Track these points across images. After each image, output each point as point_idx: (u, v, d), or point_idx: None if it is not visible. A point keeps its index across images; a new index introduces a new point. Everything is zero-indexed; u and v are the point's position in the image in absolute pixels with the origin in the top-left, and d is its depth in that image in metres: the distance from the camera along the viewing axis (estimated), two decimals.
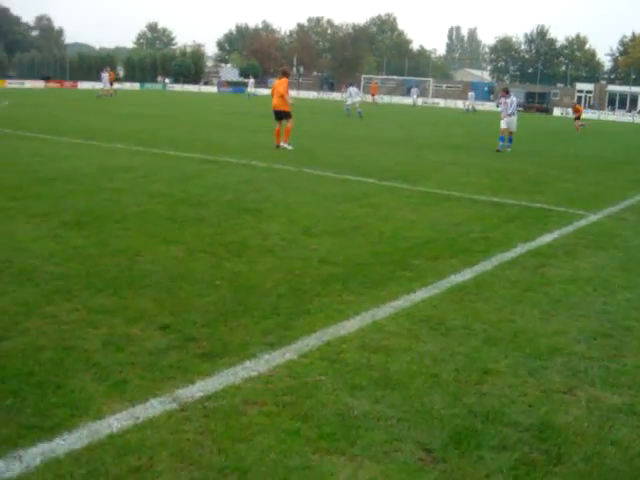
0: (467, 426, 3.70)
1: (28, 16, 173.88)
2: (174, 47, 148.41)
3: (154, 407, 3.73)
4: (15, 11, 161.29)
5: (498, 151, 20.67)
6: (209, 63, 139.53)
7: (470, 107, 59.95)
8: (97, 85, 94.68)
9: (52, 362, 4.22)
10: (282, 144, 17.82)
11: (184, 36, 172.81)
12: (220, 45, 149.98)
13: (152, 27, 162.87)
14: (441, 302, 5.86)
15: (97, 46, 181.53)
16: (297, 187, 11.62)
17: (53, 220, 8.13)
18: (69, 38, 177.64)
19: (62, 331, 4.73)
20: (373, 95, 67.61)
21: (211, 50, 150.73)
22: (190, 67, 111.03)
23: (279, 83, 18.22)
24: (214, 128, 24.69)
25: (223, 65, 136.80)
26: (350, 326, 5.14)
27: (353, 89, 41.16)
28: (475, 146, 22.56)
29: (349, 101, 40.71)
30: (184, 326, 4.94)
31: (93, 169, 12.36)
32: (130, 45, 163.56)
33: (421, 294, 6.04)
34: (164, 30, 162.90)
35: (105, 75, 49.71)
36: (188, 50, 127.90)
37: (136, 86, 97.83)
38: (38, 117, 26.85)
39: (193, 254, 6.98)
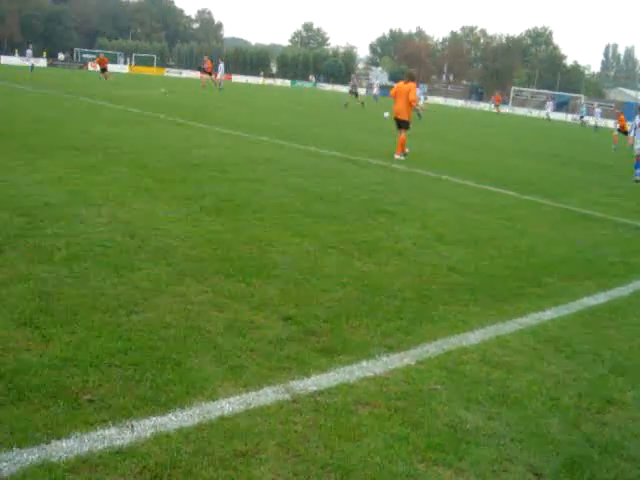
0: (583, 455, 3.53)
1: (190, 9, 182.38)
2: (327, 47, 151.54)
3: (267, 395, 3.79)
4: (179, 4, 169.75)
5: (637, 181, 17.55)
6: (360, 65, 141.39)
7: (592, 124, 56.46)
8: (251, 79, 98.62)
9: (175, 340, 4.38)
10: (396, 156, 15.90)
11: (338, 37, 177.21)
12: (372, 48, 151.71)
13: (307, 27, 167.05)
14: (570, 324, 5.63)
15: (253, 42, 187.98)
16: (435, 193, 11.50)
17: (193, 204, 8.45)
18: (227, 32, 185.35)
19: (188, 311, 4.90)
20: (497, 105, 67.23)
21: (363, 52, 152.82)
22: (341, 68, 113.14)
23: (407, 88, 16.04)
24: (358, 128, 24.88)
25: (373, 68, 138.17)
26: (473, 338, 5.04)
27: None
28: (623, 167, 21.46)
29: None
30: (306, 319, 5.00)
31: (237, 158, 12.74)
32: (285, 43, 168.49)
33: (550, 313, 5.83)
34: (319, 30, 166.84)
35: (221, 65, 50.51)
36: (340, 51, 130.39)
37: (287, 83, 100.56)
38: (191, 106, 28.05)
39: (324, 250, 7.04)
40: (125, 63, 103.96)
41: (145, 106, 24.41)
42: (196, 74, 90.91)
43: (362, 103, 41.97)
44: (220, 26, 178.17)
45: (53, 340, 4.21)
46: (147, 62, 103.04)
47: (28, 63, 54.16)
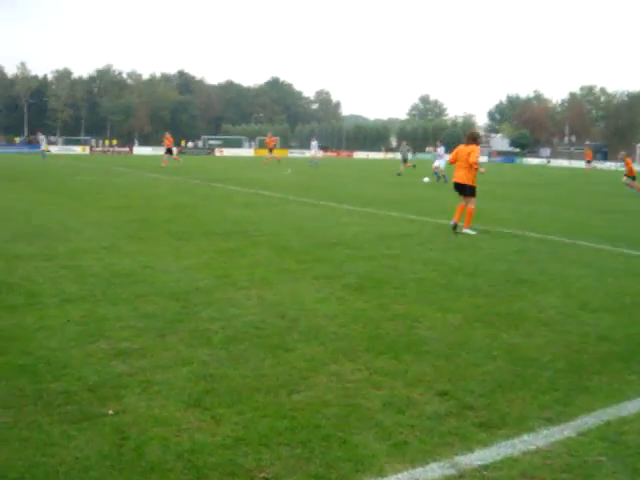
0: None
1: (309, 90, 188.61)
2: (445, 118, 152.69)
3: (433, 471, 3.87)
4: (298, 86, 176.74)
5: None
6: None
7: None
8: (372, 154, 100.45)
9: (337, 417, 4.55)
10: (464, 230, 14.17)
11: (455, 107, 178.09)
12: (491, 115, 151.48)
13: (424, 99, 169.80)
14: None
15: (372, 117, 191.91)
16: (572, 260, 11.29)
17: (336, 283, 8.72)
18: (346, 110, 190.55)
19: (346, 389, 5.08)
20: (589, 161, 66.30)
21: (482, 120, 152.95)
22: (460, 137, 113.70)
23: (468, 150, 14.48)
24: (484, 196, 24.80)
25: (493, 135, 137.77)
26: (632, 407, 4.94)
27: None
28: None
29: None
30: (462, 394, 5.06)
31: (370, 235, 13.02)
32: (403, 116, 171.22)
33: None
34: (436, 102, 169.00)
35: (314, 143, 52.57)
36: (459, 121, 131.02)
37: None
38: (317, 185, 28.89)
39: (469, 323, 7.09)
40: (250, 147, 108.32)
41: (275, 188, 25.39)
42: (318, 153, 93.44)
43: (413, 165, 42.36)
44: (338, 105, 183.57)
45: (223, 420, 4.47)
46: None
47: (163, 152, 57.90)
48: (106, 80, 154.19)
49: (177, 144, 71.02)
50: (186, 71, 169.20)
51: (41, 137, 62.57)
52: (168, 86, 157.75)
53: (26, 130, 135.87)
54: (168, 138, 46.64)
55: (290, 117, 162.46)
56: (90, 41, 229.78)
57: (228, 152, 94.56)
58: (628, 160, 32.79)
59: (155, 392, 4.91)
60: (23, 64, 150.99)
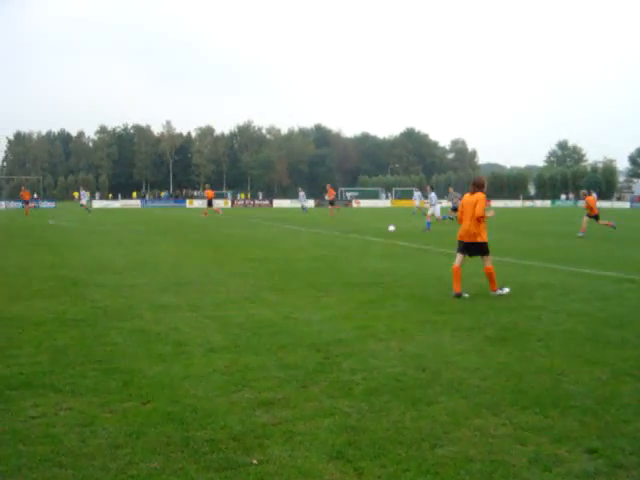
0: None
1: (444, 140, 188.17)
2: (584, 164, 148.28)
3: None
4: (433, 136, 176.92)
5: None
6: (620, 178, 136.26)
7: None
8: (510, 203, 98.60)
9: (482, 474, 4.45)
10: (496, 292, 11.95)
11: (594, 152, 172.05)
12: (632, 159, 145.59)
13: (562, 145, 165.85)
14: None
15: (508, 165, 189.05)
16: None
17: (476, 334, 8.57)
18: (482, 158, 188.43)
19: (490, 444, 4.95)
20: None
21: (623, 165, 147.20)
22: (600, 183, 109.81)
23: (473, 201, 11.96)
24: (629, 244, 23.76)
25: (635, 180, 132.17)
26: None
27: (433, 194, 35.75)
28: None
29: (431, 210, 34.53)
30: (612, 452, 4.83)
31: (512, 285, 12.70)
32: (540, 163, 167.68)
33: None
34: (574, 147, 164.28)
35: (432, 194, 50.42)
36: (599, 166, 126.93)
37: (547, 203, 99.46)
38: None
39: (618, 377, 6.77)
40: (387, 198, 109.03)
41: (411, 238, 25.35)
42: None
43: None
44: (474, 153, 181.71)
45: (365, 473, 4.47)
46: (407, 195, 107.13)
47: (300, 205, 59.62)
48: (246, 136, 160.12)
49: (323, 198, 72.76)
50: (323, 125, 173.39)
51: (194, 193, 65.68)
52: (306, 140, 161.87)
53: (171, 185, 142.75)
54: (209, 191, 48.62)
55: (426, 167, 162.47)
56: (229, 100, 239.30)
57: (365, 203, 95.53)
58: (589, 199, 29.29)
59: (298, 443, 4.97)
60: (168, 123, 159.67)
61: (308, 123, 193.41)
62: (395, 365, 7.08)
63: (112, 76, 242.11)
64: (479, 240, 11.91)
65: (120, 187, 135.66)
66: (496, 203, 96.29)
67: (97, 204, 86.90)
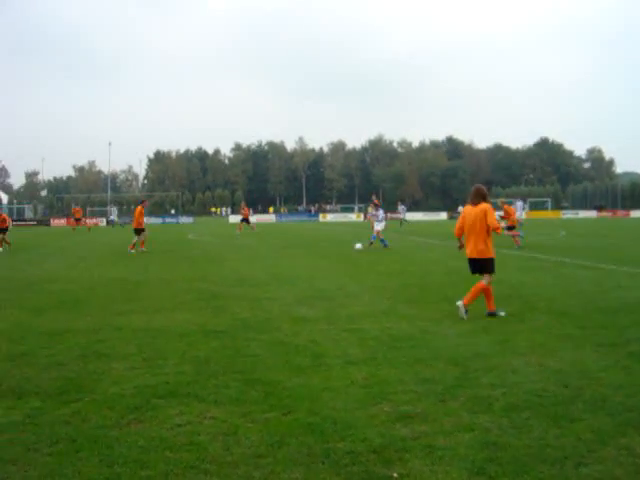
0: None
1: (580, 149, 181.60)
2: None
3: None
4: (568, 145, 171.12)
5: None
6: None
7: None
8: None
9: None
10: (458, 303, 10.85)
11: None
12: None
13: None
14: None
15: None
16: None
17: (620, 350, 8.22)
18: (620, 167, 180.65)
19: (637, 465, 4.76)
20: None
21: None
22: None
23: (479, 213, 10.93)
24: None
25: None
26: None
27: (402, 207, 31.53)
28: None
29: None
30: None
31: None
32: None
33: None
34: None
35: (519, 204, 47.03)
36: None
37: None
38: (591, 246, 27.63)
39: None
40: (522, 209, 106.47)
41: (549, 251, 24.66)
42: (592, 213, 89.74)
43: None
44: (612, 162, 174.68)
45: None
46: (541, 206, 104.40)
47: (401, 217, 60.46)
48: (378, 150, 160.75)
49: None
50: (455, 137, 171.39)
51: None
52: (437, 152, 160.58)
53: (304, 199, 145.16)
54: (245, 208, 48.62)
55: (561, 177, 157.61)
56: (362, 116, 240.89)
57: (499, 214, 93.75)
58: (507, 208, 28.54)
59: (438, 457, 4.95)
60: (301, 139, 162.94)
61: (439, 135, 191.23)
62: (536, 381, 6.91)
63: (246, 94, 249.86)
64: (488, 256, 10.97)
65: (255, 202, 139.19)
66: (636, 213, 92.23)
67: (233, 219, 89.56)
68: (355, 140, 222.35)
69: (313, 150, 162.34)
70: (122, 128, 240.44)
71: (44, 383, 7.12)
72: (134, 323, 10.56)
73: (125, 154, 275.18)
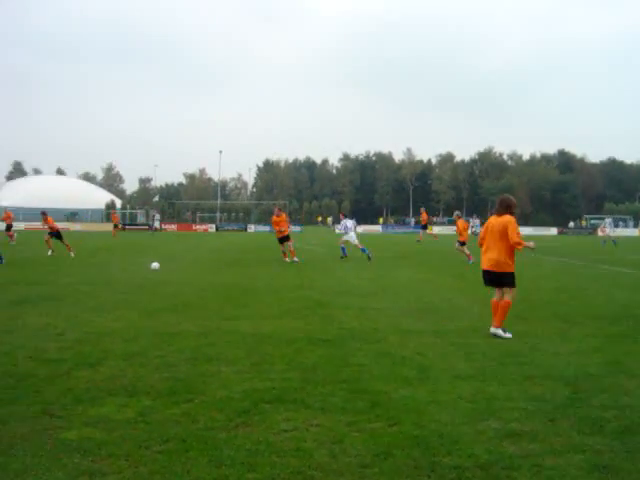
0: None
1: None
2: None
3: None
4: None
5: None
6: None
7: None
8: None
9: None
10: (492, 330, 10.49)
11: None
12: None
13: None
14: None
15: None
16: None
17: None
18: None
19: None
20: None
21: None
22: None
23: (501, 225, 10.55)
24: None
25: None
26: None
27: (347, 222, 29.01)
28: None
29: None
30: None
31: None
32: None
33: None
34: None
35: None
36: None
37: None
38: None
39: None
40: (635, 226, 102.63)
41: None
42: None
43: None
44: None
45: None
46: None
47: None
48: (487, 162, 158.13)
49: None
50: (567, 150, 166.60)
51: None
52: (548, 166, 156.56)
53: (411, 211, 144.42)
54: (423, 214, 47.61)
55: None
56: (471, 127, 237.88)
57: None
58: (459, 222, 28.43)
59: (547, 477, 4.83)
60: (409, 150, 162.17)
61: (551, 148, 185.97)
62: None
63: (355, 104, 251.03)
64: (507, 270, 10.52)
65: (362, 212, 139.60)
66: None
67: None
68: (463, 152, 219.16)
69: (421, 162, 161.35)
70: (233, 137, 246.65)
71: (155, 383, 7.36)
72: (243, 328, 10.77)
73: (235, 162, 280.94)
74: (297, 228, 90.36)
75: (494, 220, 10.71)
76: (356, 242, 28.54)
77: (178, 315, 12.13)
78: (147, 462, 5.08)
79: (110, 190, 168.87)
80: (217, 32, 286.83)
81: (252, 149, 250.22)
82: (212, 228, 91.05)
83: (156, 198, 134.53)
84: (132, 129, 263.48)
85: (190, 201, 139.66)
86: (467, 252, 27.46)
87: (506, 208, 10.62)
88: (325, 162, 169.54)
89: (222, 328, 10.77)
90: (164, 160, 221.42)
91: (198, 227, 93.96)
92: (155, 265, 21.27)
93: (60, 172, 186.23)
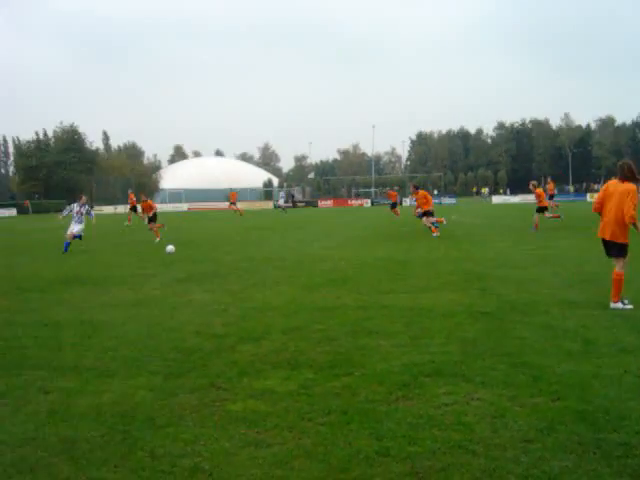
0: None
1: None
2: None
3: None
4: None
5: None
6: None
7: None
8: None
9: None
10: (612, 305, 9.87)
11: None
12: None
13: None
14: None
15: None
16: None
17: None
18: None
19: None
20: None
21: None
22: None
23: (624, 191, 9.76)
24: None
25: None
26: None
27: None
28: None
29: None
30: None
31: None
32: None
33: None
34: None
35: None
36: None
37: None
38: None
39: None
40: None
41: None
42: None
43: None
44: None
45: None
46: None
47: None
48: None
49: None
50: None
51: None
52: None
53: (570, 179, 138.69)
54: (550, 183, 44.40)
55: None
56: (633, 87, 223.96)
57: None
58: (539, 191, 28.00)
59: None
60: (567, 115, 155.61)
61: None
62: None
63: (506, 71, 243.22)
64: (620, 241, 9.84)
65: (519, 182, 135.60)
66: None
67: (496, 199, 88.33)
68: (624, 115, 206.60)
69: (580, 127, 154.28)
70: (385, 112, 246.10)
71: (316, 356, 7.53)
72: (400, 302, 10.81)
73: (388, 137, 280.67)
74: (452, 200, 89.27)
75: (614, 185, 10.01)
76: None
77: (337, 289, 12.33)
78: (310, 434, 5.22)
79: (267, 169, 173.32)
80: (365, 8, 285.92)
81: (404, 122, 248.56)
82: (367, 203, 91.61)
83: (311, 175, 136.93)
84: (286, 108, 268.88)
85: (345, 176, 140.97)
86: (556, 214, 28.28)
87: (632, 174, 9.84)
88: (479, 132, 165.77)
89: (380, 302, 10.85)
90: (318, 137, 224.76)
91: (353, 202, 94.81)
92: (170, 248, 21.54)
93: (219, 153, 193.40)
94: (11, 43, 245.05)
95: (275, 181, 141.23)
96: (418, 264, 16.14)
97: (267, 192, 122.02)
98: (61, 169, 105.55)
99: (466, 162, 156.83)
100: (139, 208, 35.19)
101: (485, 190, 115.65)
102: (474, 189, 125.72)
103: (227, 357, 7.65)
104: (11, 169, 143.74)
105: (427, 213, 25.94)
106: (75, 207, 23.66)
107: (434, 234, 24.79)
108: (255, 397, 6.19)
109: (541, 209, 27.50)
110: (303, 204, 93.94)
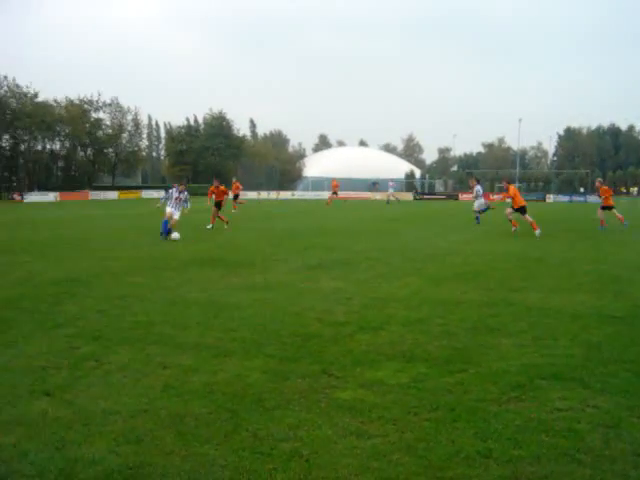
0: None
1: None
2: None
3: None
4: None
5: None
6: None
7: None
8: None
9: None
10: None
11: None
12: None
13: None
14: None
15: None
16: None
17: None
18: None
19: None
20: None
21: None
22: None
23: None
24: None
25: None
26: None
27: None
28: None
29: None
30: None
31: None
32: None
33: None
34: None
35: None
36: None
37: None
38: None
39: None
40: None
41: None
42: None
43: None
44: None
45: None
46: None
47: None
48: None
49: None
50: None
51: None
52: None
53: None
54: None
55: None
56: None
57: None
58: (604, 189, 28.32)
59: None
60: None
61: None
62: None
63: None
64: None
65: None
66: None
67: None
68: None
69: None
70: (532, 104, 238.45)
71: (433, 350, 7.41)
72: (529, 300, 10.45)
73: (535, 131, 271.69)
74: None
75: None
76: (475, 207, 31.10)
77: (464, 284, 12.08)
78: (413, 428, 5.13)
79: (410, 160, 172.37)
80: None
81: (553, 117, 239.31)
82: (508, 199, 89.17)
83: (454, 168, 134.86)
84: (431, 100, 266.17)
85: (488, 170, 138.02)
86: (619, 216, 28.05)
87: None
88: (631, 128, 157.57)
89: (507, 299, 10.54)
90: (463, 130, 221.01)
91: (495, 197, 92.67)
92: (175, 235, 21.17)
93: (362, 143, 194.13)
94: (164, 34, 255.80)
95: (417, 172, 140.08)
96: (552, 262, 15.54)
97: (408, 183, 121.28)
98: (209, 154, 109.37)
99: (615, 159, 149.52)
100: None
101: (634, 189, 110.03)
102: (622, 188, 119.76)
103: (343, 345, 7.66)
104: (162, 153, 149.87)
105: (521, 209, 25.68)
106: (174, 193, 23.19)
107: (514, 228, 25.83)
108: (365, 387, 6.16)
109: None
110: (444, 197, 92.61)
